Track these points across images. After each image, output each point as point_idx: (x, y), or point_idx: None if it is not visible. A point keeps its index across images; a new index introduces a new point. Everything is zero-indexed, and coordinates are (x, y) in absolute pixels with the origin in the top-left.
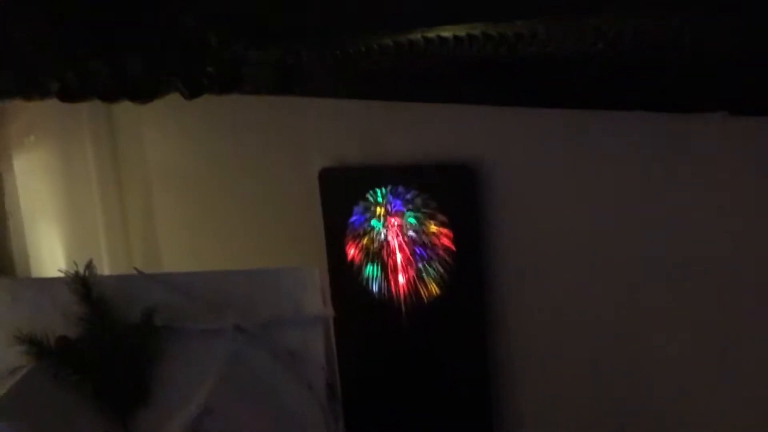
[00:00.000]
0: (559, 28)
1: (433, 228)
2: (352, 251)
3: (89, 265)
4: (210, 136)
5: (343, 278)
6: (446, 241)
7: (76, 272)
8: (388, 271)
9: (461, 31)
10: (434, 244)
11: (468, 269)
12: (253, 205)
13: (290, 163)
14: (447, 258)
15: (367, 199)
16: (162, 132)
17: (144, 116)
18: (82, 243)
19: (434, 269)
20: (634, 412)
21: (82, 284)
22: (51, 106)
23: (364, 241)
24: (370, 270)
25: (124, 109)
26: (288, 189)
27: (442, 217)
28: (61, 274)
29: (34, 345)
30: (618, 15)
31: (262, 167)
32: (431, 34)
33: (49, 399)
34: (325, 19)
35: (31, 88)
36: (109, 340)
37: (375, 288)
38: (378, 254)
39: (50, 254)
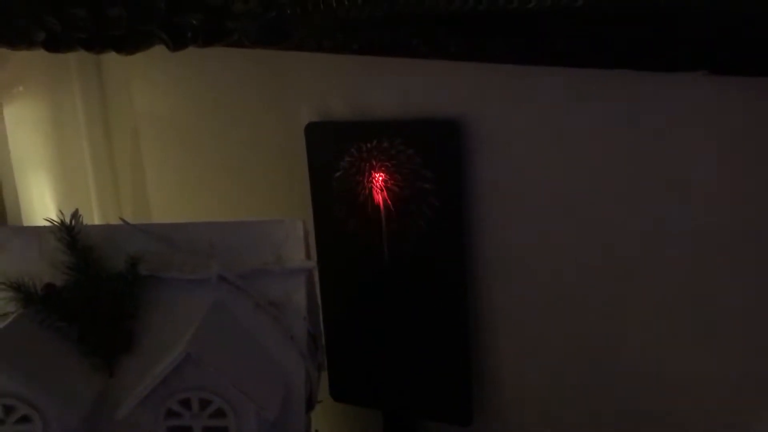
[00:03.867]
0: None
1: (418, 184)
2: (336, 205)
3: (75, 215)
4: (198, 87)
5: (327, 232)
6: (431, 198)
7: (62, 221)
8: (371, 225)
9: None
10: (419, 199)
11: (451, 225)
12: (241, 156)
13: (277, 116)
14: (431, 214)
15: (352, 154)
16: (150, 82)
17: (133, 66)
18: (72, 192)
19: (418, 224)
20: (616, 374)
21: (69, 233)
22: (39, 56)
23: (349, 195)
24: (354, 224)
25: (113, 59)
26: (275, 142)
27: (426, 172)
28: (48, 224)
29: (21, 292)
30: None
31: (249, 119)
32: None
33: (36, 344)
34: None
35: (16, 37)
36: (94, 288)
37: (358, 243)
38: (362, 208)
39: (41, 203)
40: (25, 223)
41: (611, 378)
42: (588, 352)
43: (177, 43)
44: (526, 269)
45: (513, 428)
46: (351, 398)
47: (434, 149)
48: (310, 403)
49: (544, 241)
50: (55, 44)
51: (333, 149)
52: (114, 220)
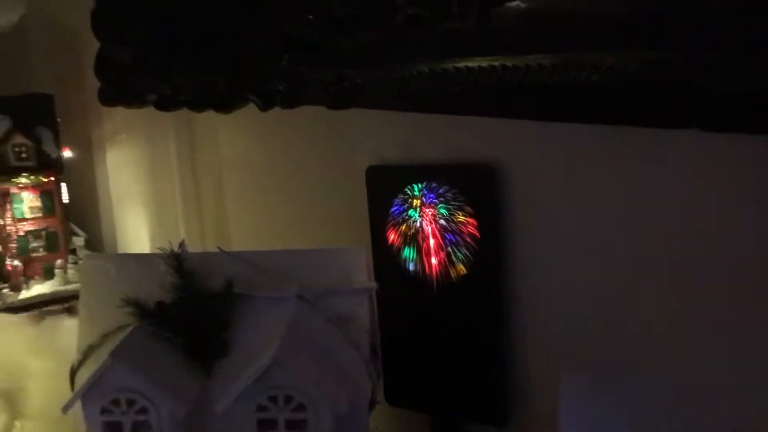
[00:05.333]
0: (561, 62)
1: (461, 218)
2: (392, 236)
3: (182, 244)
4: (275, 135)
5: (384, 259)
6: (472, 229)
7: (171, 249)
8: (422, 253)
9: (484, 62)
10: (462, 232)
11: (490, 253)
12: (311, 193)
13: (342, 161)
14: (472, 243)
15: (405, 193)
16: (234, 131)
17: (219, 117)
18: (163, 224)
19: (461, 253)
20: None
21: (176, 259)
22: (140, 110)
23: (403, 228)
24: (407, 252)
25: (203, 113)
26: (340, 183)
27: (468, 209)
28: (159, 251)
29: (138, 308)
30: (610, 53)
31: (318, 162)
32: (461, 64)
33: (149, 351)
34: (377, 49)
35: (132, 98)
36: (196, 305)
37: (411, 267)
38: (414, 239)
39: (135, 234)
40: (120, 250)
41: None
42: (614, 362)
43: (266, 104)
44: (554, 292)
45: (542, 430)
46: (403, 402)
47: (474, 189)
48: (372, 404)
49: (570, 270)
50: (164, 104)
51: (389, 188)
52: (200, 249)
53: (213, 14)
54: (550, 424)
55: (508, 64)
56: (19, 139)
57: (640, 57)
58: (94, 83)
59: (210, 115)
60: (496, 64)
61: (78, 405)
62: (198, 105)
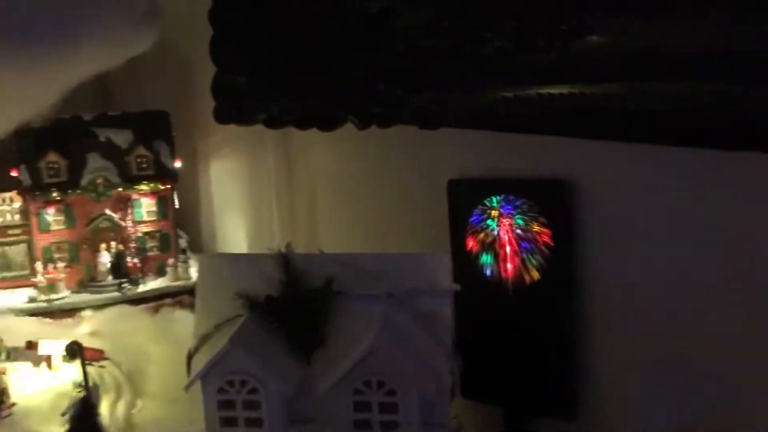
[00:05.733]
0: (636, 91)
1: (536, 227)
2: (470, 243)
3: (288, 246)
4: (364, 152)
5: (463, 264)
6: (546, 238)
7: (279, 250)
8: (498, 259)
9: (564, 89)
10: (536, 240)
11: (562, 260)
12: (395, 205)
13: (425, 174)
14: (546, 251)
15: (484, 204)
16: (327, 147)
17: (314, 134)
18: (259, 230)
19: (536, 259)
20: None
21: (283, 259)
22: (243, 127)
23: (481, 236)
24: (485, 258)
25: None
26: (423, 194)
27: (543, 220)
28: (268, 252)
29: (249, 301)
30: (677, 82)
31: (403, 177)
32: (543, 91)
33: (259, 339)
34: (466, 76)
35: (245, 117)
36: (299, 300)
37: (488, 272)
38: (491, 246)
39: (234, 237)
40: (219, 251)
41: (699, 384)
42: (675, 361)
43: (364, 124)
44: (622, 297)
45: (608, 423)
46: (477, 396)
47: (549, 202)
48: (452, 394)
49: (638, 278)
50: (273, 123)
51: (469, 200)
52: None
53: (318, 44)
54: (617, 418)
55: (587, 91)
56: (140, 151)
57: (711, 89)
58: (201, 102)
59: (305, 133)
60: (575, 91)
61: (197, 384)
62: (303, 124)
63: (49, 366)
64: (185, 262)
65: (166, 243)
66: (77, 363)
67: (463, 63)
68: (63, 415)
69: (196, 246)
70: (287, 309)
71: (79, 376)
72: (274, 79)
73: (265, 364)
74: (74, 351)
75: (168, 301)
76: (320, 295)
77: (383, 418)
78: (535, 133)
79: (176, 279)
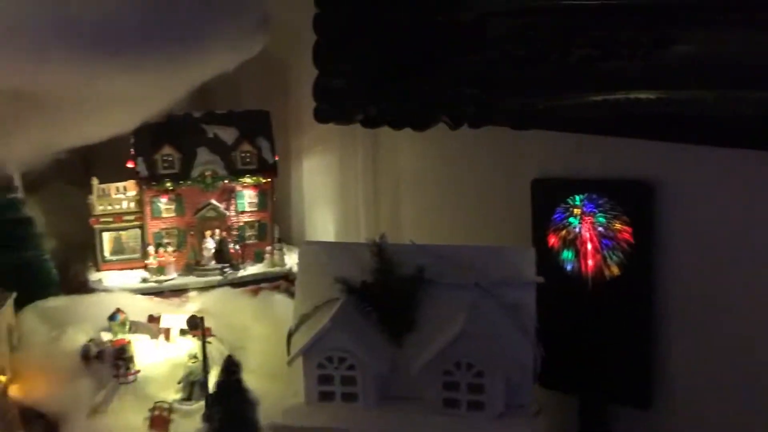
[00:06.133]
0: (722, 97)
1: (617, 225)
2: (552, 240)
3: (383, 236)
4: (449, 149)
5: (544, 259)
6: (627, 236)
7: (374, 240)
8: (579, 256)
9: (651, 95)
10: (617, 238)
11: (643, 257)
12: (479, 202)
13: (509, 173)
14: (627, 248)
15: (567, 203)
16: (413, 146)
17: (400, 134)
18: (346, 223)
19: (616, 256)
20: None
21: (378, 248)
22: (334, 126)
23: (563, 233)
24: (566, 254)
25: (387, 129)
26: (506, 192)
27: (625, 218)
28: (363, 241)
29: (346, 285)
30: (763, 89)
31: (487, 175)
32: (631, 96)
33: (355, 320)
34: (556, 81)
35: (344, 117)
36: (392, 286)
37: (568, 267)
38: (573, 243)
39: (322, 229)
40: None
41: None
42: (748, 355)
43: (456, 125)
44: (699, 292)
45: (681, 412)
46: (554, 385)
47: (632, 202)
48: (534, 380)
49: (717, 274)
50: (370, 123)
51: (552, 198)
52: None
53: (415, 50)
54: (689, 408)
55: (672, 97)
56: (245, 146)
57: None
58: (295, 103)
59: (393, 132)
60: (662, 96)
61: (297, 360)
62: (398, 124)
63: (167, 338)
64: (280, 250)
65: (263, 232)
66: (191, 336)
67: (552, 69)
68: (179, 383)
69: (285, 236)
70: (381, 294)
71: (193, 348)
72: (372, 82)
73: (362, 344)
74: (195, 323)
75: (265, 285)
76: (411, 282)
77: (470, 397)
78: (619, 136)
79: (273, 266)
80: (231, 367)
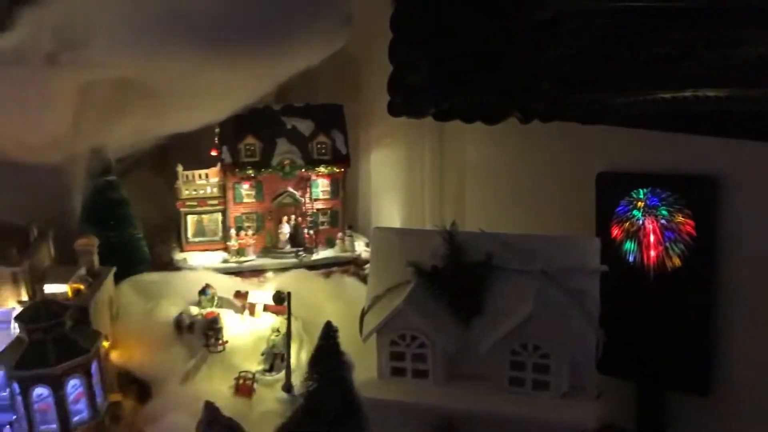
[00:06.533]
0: None
1: (680, 218)
2: (615, 231)
3: (453, 223)
4: (515, 141)
5: (607, 250)
6: (689, 229)
7: (445, 228)
8: (642, 247)
9: (721, 92)
10: (680, 230)
11: (705, 249)
12: (543, 194)
13: (574, 167)
14: (689, 240)
15: (631, 196)
16: (479, 139)
17: (466, 128)
18: (411, 212)
19: (678, 248)
20: None
21: (449, 235)
22: (402, 119)
23: (626, 225)
24: (628, 245)
25: (453, 123)
26: (570, 185)
27: (688, 212)
28: (434, 228)
29: (418, 269)
30: None
31: (552, 168)
32: (700, 93)
33: (426, 301)
34: (625, 78)
35: (416, 111)
36: (461, 271)
37: (630, 258)
38: (635, 235)
39: (388, 217)
40: (372, 230)
41: None
42: None
43: (527, 119)
44: (760, 284)
45: (741, 399)
46: (613, 371)
47: (695, 196)
48: (595, 364)
49: None
50: (442, 116)
51: (617, 191)
52: None
53: (488, 46)
54: (749, 394)
55: (743, 95)
56: (320, 138)
57: None
58: (366, 97)
59: (459, 126)
60: (732, 94)
61: (372, 337)
62: (470, 117)
63: (252, 313)
64: (350, 236)
65: (335, 219)
66: (270, 313)
67: (623, 67)
68: (262, 355)
69: (351, 224)
70: (450, 279)
71: (276, 323)
72: (446, 77)
73: (433, 324)
74: (281, 299)
75: (335, 269)
76: (480, 268)
77: (536, 377)
78: (686, 132)
79: (343, 251)
80: (329, 332)
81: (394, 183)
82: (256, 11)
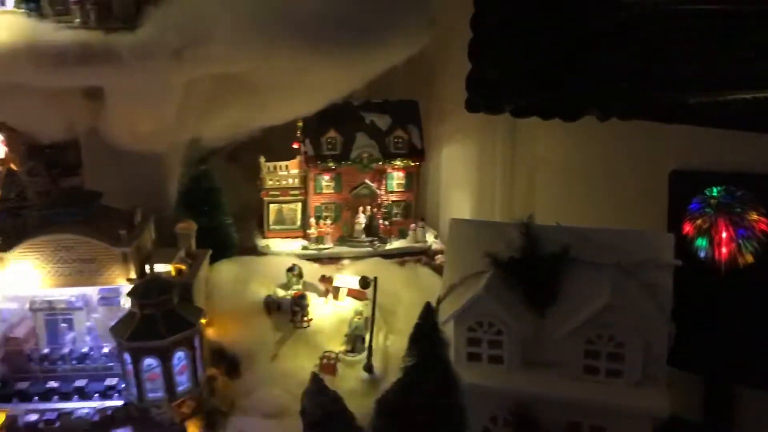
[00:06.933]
0: None
1: (754, 216)
2: (687, 228)
3: (531, 216)
4: (588, 140)
5: (678, 246)
6: (763, 226)
7: (521, 220)
8: (713, 244)
9: None
10: (753, 228)
11: None
12: (615, 191)
13: (647, 165)
14: (762, 238)
15: (704, 193)
16: (551, 136)
17: (539, 125)
18: (481, 207)
19: (751, 245)
20: None
21: (525, 227)
22: (474, 115)
23: (698, 222)
24: (700, 242)
25: (525, 120)
26: (643, 183)
27: (762, 210)
28: (509, 221)
29: (494, 259)
30: None
31: (626, 165)
32: None
33: (502, 290)
34: (704, 79)
35: (494, 108)
36: (537, 262)
37: (702, 255)
38: (707, 231)
39: (457, 210)
40: (441, 221)
41: None
42: None
43: (605, 117)
44: None
45: None
46: (682, 364)
47: None
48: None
49: None
50: (519, 113)
51: (690, 189)
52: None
53: (568, 46)
54: None
55: None
56: (398, 132)
57: None
58: (438, 93)
59: (531, 123)
60: None
61: (450, 323)
62: (548, 114)
63: (336, 297)
64: (423, 228)
65: (408, 211)
66: (352, 298)
67: (703, 67)
68: (345, 336)
69: (420, 215)
70: (526, 269)
71: (359, 307)
72: (525, 75)
73: (509, 311)
74: (367, 283)
75: (408, 258)
76: (556, 260)
77: (610, 365)
78: (764, 132)
79: (415, 241)
80: (428, 312)
81: (465, 177)
82: (353, 13)
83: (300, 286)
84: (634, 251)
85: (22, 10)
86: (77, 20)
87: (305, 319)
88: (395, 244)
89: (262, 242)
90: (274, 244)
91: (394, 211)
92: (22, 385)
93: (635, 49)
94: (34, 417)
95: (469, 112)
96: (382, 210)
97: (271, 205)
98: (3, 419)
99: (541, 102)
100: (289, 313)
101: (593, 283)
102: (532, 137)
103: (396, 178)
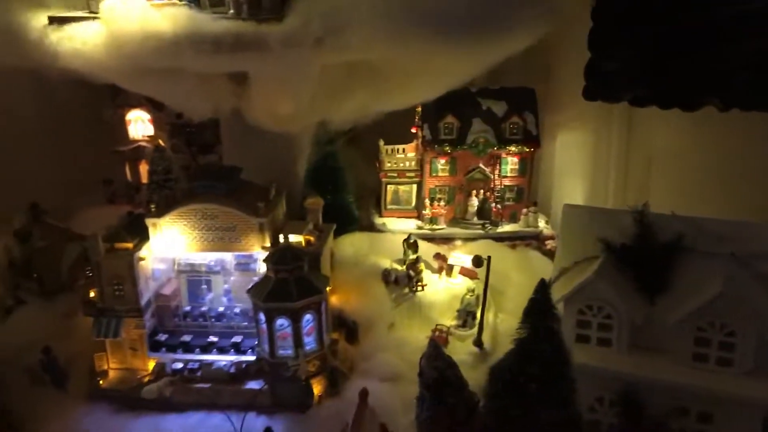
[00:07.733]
0: None
1: None
2: None
3: (645, 204)
4: (705, 131)
5: None
6: None
7: (637, 208)
8: None
9: None
10: None
11: None
12: (732, 182)
13: (765, 156)
14: None
15: None
16: (667, 126)
17: (655, 115)
18: (594, 194)
19: None
20: None
21: (640, 215)
22: (590, 103)
23: None
24: None
25: (641, 110)
26: (762, 174)
27: None
28: (625, 208)
29: (607, 245)
30: None
31: (742, 156)
32: None
33: (615, 276)
34: None
35: (613, 96)
36: (650, 250)
37: None
38: None
39: (569, 197)
40: (554, 208)
41: None
42: None
43: (727, 107)
44: None
45: None
46: None
47: None
48: None
49: None
50: (639, 102)
51: None
52: None
53: (689, 37)
54: None
55: None
56: (513, 119)
57: None
58: (554, 82)
59: (646, 112)
60: None
61: (560, 305)
62: (667, 104)
63: (449, 274)
64: (535, 213)
65: (520, 195)
66: (464, 276)
67: None
68: (457, 311)
69: (533, 200)
70: (639, 256)
71: (471, 284)
72: (645, 64)
73: (620, 296)
74: (480, 262)
75: (519, 242)
76: (670, 248)
77: (720, 354)
78: None
79: (527, 225)
80: (543, 287)
81: (579, 165)
82: (479, 2)
83: (414, 257)
84: (749, 242)
85: (183, 2)
86: (231, 11)
87: (420, 284)
88: (506, 227)
89: (379, 220)
90: (390, 222)
91: (507, 195)
92: (167, 337)
93: (759, 40)
94: (179, 365)
95: (586, 100)
96: (495, 194)
97: (389, 186)
98: (153, 365)
99: (661, 91)
100: (404, 286)
101: (706, 272)
102: (648, 127)
103: (510, 163)
